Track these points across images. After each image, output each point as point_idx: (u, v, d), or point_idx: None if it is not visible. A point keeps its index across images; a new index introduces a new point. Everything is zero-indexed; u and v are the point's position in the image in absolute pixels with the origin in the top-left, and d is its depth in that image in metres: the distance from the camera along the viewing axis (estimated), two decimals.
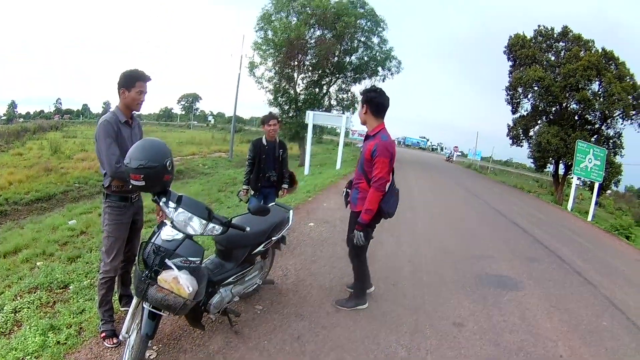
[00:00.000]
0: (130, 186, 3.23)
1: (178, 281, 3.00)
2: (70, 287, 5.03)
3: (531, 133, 30.80)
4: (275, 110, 30.47)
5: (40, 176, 16.99)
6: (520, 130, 30.94)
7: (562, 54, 29.30)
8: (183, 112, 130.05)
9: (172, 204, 3.26)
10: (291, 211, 4.95)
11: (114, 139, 3.74)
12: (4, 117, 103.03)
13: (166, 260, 3.08)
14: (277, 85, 30.30)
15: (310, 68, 30.56)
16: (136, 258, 3.34)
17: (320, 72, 30.86)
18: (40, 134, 38.45)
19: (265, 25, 29.10)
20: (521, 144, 31.57)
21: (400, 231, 9.03)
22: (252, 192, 6.64)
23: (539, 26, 30.39)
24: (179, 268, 3.07)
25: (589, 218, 17.13)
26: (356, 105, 32.81)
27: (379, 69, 32.21)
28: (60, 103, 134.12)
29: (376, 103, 4.56)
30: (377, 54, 31.66)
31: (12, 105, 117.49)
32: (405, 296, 5.41)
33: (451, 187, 21.91)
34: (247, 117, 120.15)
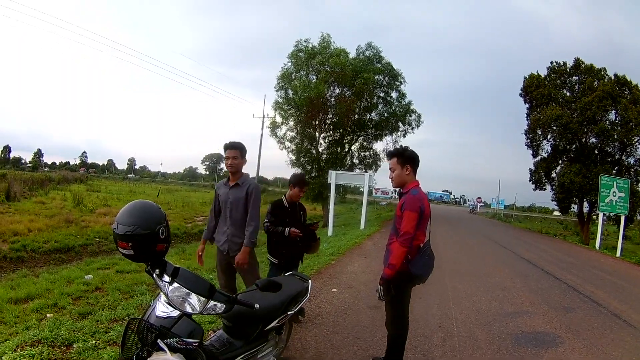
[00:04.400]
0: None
1: None
2: (74, 346, 4.77)
3: (553, 175, 30.66)
4: (298, 171, 30.51)
5: (60, 227, 16.89)
6: (542, 173, 30.92)
7: (577, 87, 29.51)
8: (207, 172, 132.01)
9: (166, 278, 2.87)
10: (309, 281, 4.51)
11: (215, 197, 5.21)
12: (30, 165, 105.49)
13: (158, 341, 2.66)
14: (299, 145, 30.50)
15: (332, 127, 30.81)
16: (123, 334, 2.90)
17: (341, 130, 31.05)
18: (64, 185, 39.42)
19: (285, 84, 29.49)
20: (544, 187, 31.50)
21: (428, 292, 8.42)
22: (274, 261, 6.01)
23: (551, 63, 30.75)
24: (174, 350, 2.66)
25: (618, 254, 16.91)
26: (378, 162, 32.82)
27: (399, 124, 32.34)
28: (86, 156, 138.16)
29: (416, 160, 4.43)
30: (397, 108, 31.85)
31: (39, 153, 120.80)
32: None
33: (478, 239, 21.44)
34: (270, 177, 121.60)
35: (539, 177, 31.09)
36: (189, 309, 2.84)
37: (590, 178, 25.87)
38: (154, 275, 2.89)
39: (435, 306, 7.55)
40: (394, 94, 32.00)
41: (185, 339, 2.75)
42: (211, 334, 3.66)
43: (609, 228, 30.21)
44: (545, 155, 31.21)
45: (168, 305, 2.86)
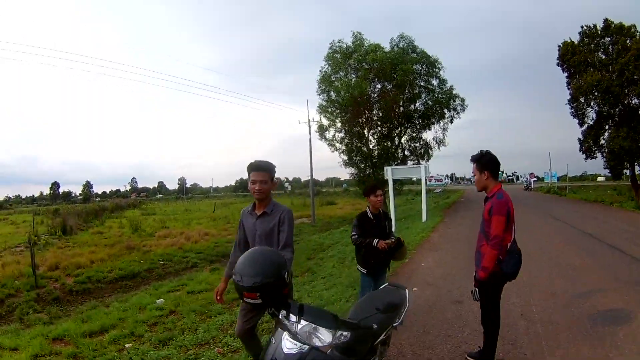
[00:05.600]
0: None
1: None
2: None
3: (602, 142, 29.86)
4: (352, 170, 31.41)
5: (122, 254, 17.23)
6: (591, 142, 30.01)
7: (611, 49, 28.56)
8: None
9: (293, 317, 2.89)
10: (407, 291, 4.55)
11: (240, 227, 4.31)
12: (80, 197, 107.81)
13: None
14: (350, 145, 30.80)
15: (379, 122, 30.95)
16: None
17: (388, 124, 31.18)
18: (118, 213, 40.27)
19: (326, 87, 29.77)
20: (595, 155, 30.67)
21: None
22: (363, 271, 6.07)
23: (582, 27, 29.87)
24: None
25: None
26: (430, 152, 32.74)
27: (445, 110, 32.04)
28: (136, 182, 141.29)
29: (495, 164, 4.55)
30: (439, 95, 31.59)
31: (88, 185, 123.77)
32: (525, 355, 4.95)
33: (538, 217, 20.99)
34: (322, 179, 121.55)
35: (588, 145, 30.13)
36: (317, 343, 2.89)
37: (639, 140, 25.53)
38: (281, 316, 2.92)
39: (514, 294, 7.39)
40: (434, 82, 31.73)
41: None
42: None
43: None
44: (592, 122, 30.46)
45: (295, 342, 2.88)
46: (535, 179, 70.76)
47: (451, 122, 32.84)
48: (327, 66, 30.26)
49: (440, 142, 33.18)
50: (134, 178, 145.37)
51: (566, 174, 64.30)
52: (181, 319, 7.99)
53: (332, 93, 29.61)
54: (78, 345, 6.81)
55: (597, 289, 7.56)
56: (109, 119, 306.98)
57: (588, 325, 5.93)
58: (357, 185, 33.61)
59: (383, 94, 29.42)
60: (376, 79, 29.85)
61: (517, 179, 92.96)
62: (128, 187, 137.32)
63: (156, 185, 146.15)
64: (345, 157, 31.07)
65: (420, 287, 8.36)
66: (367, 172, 30.43)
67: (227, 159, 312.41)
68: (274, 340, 2.98)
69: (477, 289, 4.51)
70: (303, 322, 2.87)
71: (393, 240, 5.92)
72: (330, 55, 29.92)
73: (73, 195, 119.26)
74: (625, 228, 15.01)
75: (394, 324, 3.90)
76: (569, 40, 30.25)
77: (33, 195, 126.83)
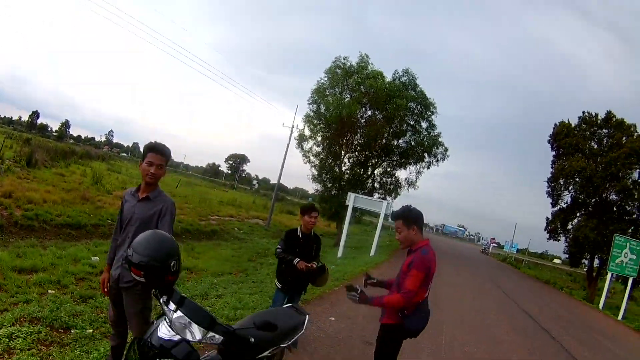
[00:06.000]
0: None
1: None
2: (72, 332, 4.85)
3: (569, 226, 30.17)
4: (318, 187, 31.19)
5: (76, 202, 16.77)
6: (559, 224, 30.31)
7: (605, 141, 29.00)
8: (229, 172, 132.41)
9: (172, 306, 3.03)
10: (307, 317, 4.55)
11: (120, 208, 4.02)
12: (56, 134, 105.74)
13: None
14: (324, 162, 30.69)
15: (358, 148, 30.98)
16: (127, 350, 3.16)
17: (367, 153, 31.18)
18: (86, 160, 39.49)
19: (318, 99, 29.63)
20: (558, 238, 30.90)
21: (422, 335, 8.48)
22: (279, 286, 6.07)
23: (583, 113, 30.23)
24: None
25: (620, 316, 16.73)
26: (399, 190, 32.88)
27: (425, 154, 32.20)
28: (112, 135, 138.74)
29: (421, 219, 4.42)
30: (425, 139, 31.68)
31: (66, 124, 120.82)
32: None
33: (484, 284, 21.28)
34: (290, 186, 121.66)
35: (554, 227, 30.60)
36: (189, 336, 2.97)
37: (605, 235, 25.40)
38: (161, 301, 3.04)
39: (426, 350, 7.46)
40: (424, 124, 32.01)
41: None
42: (205, 353, 3.71)
43: (616, 286, 29.66)
44: (565, 206, 30.85)
45: (170, 329, 2.98)
46: (495, 245, 71.77)
47: (428, 168, 33.15)
48: (325, 79, 30.23)
49: (411, 183, 33.43)
50: (111, 131, 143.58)
51: (527, 248, 65.20)
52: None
53: (322, 106, 29.52)
54: (5, 277, 6.84)
55: None
56: (104, 64, 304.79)
57: None
58: (319, 202, 33.33)
59: (371, 121, 29.42)
60: (368, 105, 29.83)
61: (478, 240, 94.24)
62: (104, 139, 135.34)
63: (130, 145, 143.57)
64: (316, 172, 30.97)
65: (338, 318, 8.31)
66: (333, 193, 30.38)
67: (205, 140, 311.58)
68: (155, 323, 3.12)
69: (357, 298, 4.19)
70: (179, 313, 2.97)
71: (314, 265, 5.86)
72: (332, 69, 29.82)
73: (49, 129, 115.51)
74: (565, 316, 15.30)
75: (282, 345, 3.95)
76: (566, 122, 30.63)
77: (11, 117, 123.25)
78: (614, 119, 28.90)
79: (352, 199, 20.22)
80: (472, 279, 21.41)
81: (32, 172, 21.62)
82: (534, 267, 52.54)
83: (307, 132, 31.31)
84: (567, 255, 32.11)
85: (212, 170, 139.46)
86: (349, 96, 29.50)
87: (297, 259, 5.71)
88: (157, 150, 3.82)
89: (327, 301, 9.54)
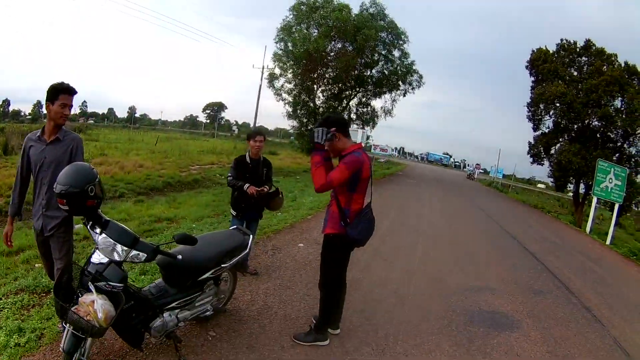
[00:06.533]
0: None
1: (93, 305, 3.02)
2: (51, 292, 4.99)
3: (552, 151, 30.09)
4: (294, 123, 31.08)
5: None
6: (542, 148, 30.16)
7: (585, 69, 28.74)
8: (208, 121, 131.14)
9: (97, 229, 3.30)
10: (251, 237, 4.77)
11: (22, 156, 3.84)
12: (29, 117, 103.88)
13: (89, 284, 3.13)
14: (297, 98, 30.38)
15: (331, 81, 30.57)
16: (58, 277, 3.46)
17: (340, 85, 30.82)
18: None
19: (285, 36, 29.12)
20: (542, 162, 30.84)
21: (397, 255, 8.58)
22: (233, 213, 6.21)
23: (561, 40, 29.80)
24: (102, 292, 3.14)
25: (608, 241, 16.54)
26: (376, 119, 32.79)
27: (400, 83, 32.04)
28: (86, 106, 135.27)
29: (342, 123, 4.26)
30: (398, 67, 31.47)
31: (38, 105, 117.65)
32: (377, 334, 4.87)
33: (466, 207, 21.45)
34: (271, 127, 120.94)
35: (537, 151, 30.52)
36: (116, 257, 3.27)
37: (588, 160, 25.28)
38: (88, 227, 3.34)
39: (398, 270, 7.58)
40: (396, 53, 31.52)
41: (111, 283, 3.23)
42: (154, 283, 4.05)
43: (604, 213, 29.91)
44: (546, 130, 30.57)
45: (100, 254, 3.29)
46: (482, 171, 72.20)
47: (404, 95, 33.03)
48: (291, 16, 29.50)
49: (388, 112, 33.39)
50: (84, 102, 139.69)
51: (513, 174, 65.57)
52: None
53: (289, 44, 28.99)
54: None
55: (489, 287, 7.42)
56: (68, 37, 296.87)
57: (462, 321, 5.74)
58: (297, 138, 33.04)
59: (341, 54, 28.89)
60: (337, 39, 29.24)
61: (464, 167, 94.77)
62: (78, 111, 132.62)
63: (106, 112, 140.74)
64: (290, 109, 30.72)
65: (307, 244, 8.54)
66: (309, 128, 29.89)
67: (181, 94, 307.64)
68: (92, 253, 3.39)
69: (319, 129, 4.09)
70: (104, 235, 3.26)
71: (265, 189, 5.98)
72: (297, 6, 29.11)
73: (22, 114, 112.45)
74: (551, 238, 14.99)
75: (224, 265, 4.23)
76: (543, 48, 30.18)
77: None
78: (594, 48, 28.53)
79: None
80: (455, 204, 21.54)
81: (10, 159, 21.53)
82: (521, 192, 52.81)
83: (277, 71, 30.87)
84: (552, 180, 32.23)
85: (191, 122, 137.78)
86: (316, 31, 28.89)
87: (247, 185, 5.80)
88: (70, 91, 3.72)
89: (298, 229, 9.74)
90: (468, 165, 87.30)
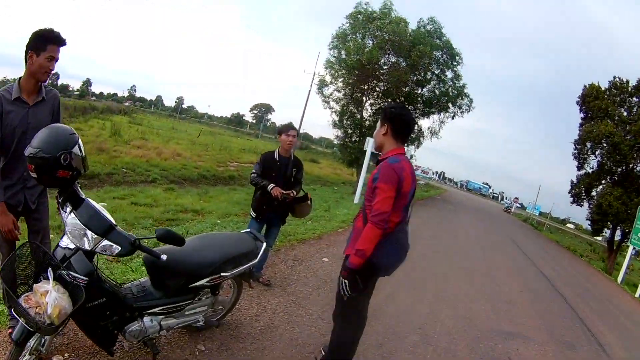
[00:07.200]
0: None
1: (46, 297, 2.48)
2: None
3: (593, 193, 28.89)
4: (339, 133, 30.34)
5: (91, 154, 16.26)
6: (583, 189, 29.04)
7: (635, 109, 27.49)
8: (254, 121, 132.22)
9: (68, 208, 2.76)
10: (264, 244, 4.09)
11: None
12: (77, 93, 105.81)
13: (48, 270, 2.59)
14: (344, 108, 29.87)
15: (381, 95, 29.87)
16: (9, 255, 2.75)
17: (389, 100, 29.86)
18: (107, 115, 38.89)
19: (339, 44, 28.71)
20: (582, 203, 29.64)
21: (427, 285, 7.90)
22: (253, 215, 5.52)
23: (614, 78, 28.51)
24: (63, 282, 2.62)
25: (637, 294, 15.56)
26: (421, 139, 32.01)
27: (450, 105, 31.26)
28: (135, 90, 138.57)
29: (401, 122, 3.48)
30: (450, 89, 30.69)
31: (87, 82, 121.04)
32: None
33: (502, 241, 20.55)
34: (316, 136, 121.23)
35: (578, 191, 29.50)
36: (85, 245, 2.71)
37: (629, 206, 24.29)
38: (58, 202, 2.83)
39: (426, 302, 6.89)
40: (449, 74, 30.77)
41: (73, 274, 2.66)
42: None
43: (634, 263, 28.62)
44: (590, 170, 29.46)
45: (69, 237, 2.75)
46: (519, 206, 70.80)
47: (452, 118, 32.23)
48: (347, 24, 28.96)
49: (434, 133, 32.53)
50: (133, 86, 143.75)
51: (549, 212, 63.87)
52: None
53: (342, 52, 28.52)
54: None
55: (521, 335, 6.69)
56: (123, 19, 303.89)
57: None
58: (339, 148, 32.56)
59: (394, 68, 28.16)
60: (391, 52, 28.51)
61: (502, 199, 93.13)
62: (126, 94, 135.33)
63: (154, 98, 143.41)
64: (336, 118, 30.09)
65: (332, 260, 7.86)
66: (353, 139, 29.47)
67: (230, 91, 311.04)
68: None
69: (346, 282, 3.36)
70: (72, 216, 2.71)
71: (293, 194, 5.38)
72: (354, 14, 28.63)
73: (70, 89, 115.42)
74: (583, 284, 14.42)
75: (224, 274, 3.58)
76: (595, 84, 29.02)
77: None
78: None
79: (370, 144, 19.25)
80: (492, 236, 20.79)
81: None
82: (555, 231, 51.43)
83: (327, 78, 30.33)
84: (589, 223, 31.04)
85: (237, 120, 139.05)
86: (370, 42, 28.37)
87: (272, 185, 5.18)
88: (60, 42, 3.13)
89: (326, 241, 9.15)
90: (506, 198, 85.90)
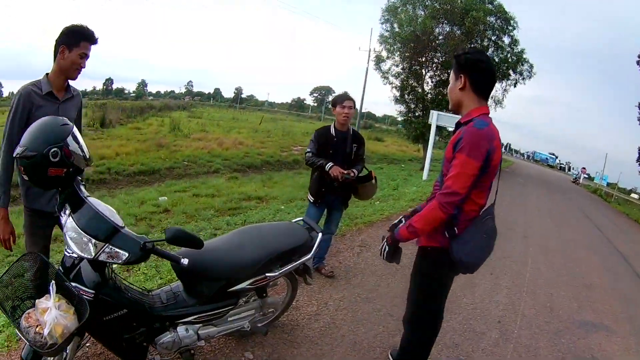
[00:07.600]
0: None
1: (45, 315, 2.14)
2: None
3: None
4: (401, 108, 29.65)
5: (150, 150, 16.77)
6: None
7: None
8: (315, 104, 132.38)
9: (67, 210, 2.37)
10: (319, 235, 3.55)
11: (21, 117, 2.84)
12: (133, 94, 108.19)
13: (51, 284, 2.22)
14: (404, 82, 29.03)
15: (440, 66, 28.89)
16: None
17: (449, 71, 28.88)
18: (165, 112, 39.39)
19: (390, 17, 28.14)
20: None
21: (504, 269, 7.24)
22: (311, 199, 5.05)
23: None
24: (68, 296, 2.24)
25: None
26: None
27: (510, 72, 29.99)
28: (192, 85, 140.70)
29: (482, 70, 2.69)
30: (509, 55, 29.49)
31: (143, 83, 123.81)
32: None
33: (574, 215, 19.28)
34: (379, 114, 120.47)
35: None
36: (86, 253, 2.31)
37: None
38: (56, 205, 2.46)
39: (505, 290, 6.25)
40: (506, 39, 29.55)
41: (79, 286, 2.32)
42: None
43: None
44: None
45: (72, 245, 2.36)
46: (586, 176, 68.12)
47: (514, 86, 30.95)
48: None
49: (498, 102, 31.27)
50: (190, 81, 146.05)
51: (617, 182, 61.07)
52: (170, 217, 7.95)
53: (395, 25, 28.04)
54: None
55: (603, 325, 5.86)
56: (173, 16, 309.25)
57: None
58: (404, 126, 31.73)
59: (449, 37, 27.34)
60: (444, 21, 27.69)
61: (569, 169, 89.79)
62: (183, 90, 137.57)
63: (212, 91, 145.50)
64: (397, 93, 29.36)
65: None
66: (417, 114, 28.87)
67: (289, 76, 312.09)
68: None
69: (386, 247, 2.98)
70: (70, 220, 2.33)
71: (354, 173, 4.80)
72: None
73: (126, 91, 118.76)
74: None
75: (269, 274, 3.10)
76: None
77: (85, 90, 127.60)
78: None
79: (435, 117, 18.69)
80: (563, 210, 19.58)
81: (107, 132, 21.73)
82: (622, 202, 49.15)
83: (384, 54, 29.59)
84: None
85: (298, 105, 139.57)
86: (422, 12, 27.60)
87: (330, 164, 4.69)
88: (94, 40, 3.00)
89: (387, 225, 8.40)
90: (573, 168, 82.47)
